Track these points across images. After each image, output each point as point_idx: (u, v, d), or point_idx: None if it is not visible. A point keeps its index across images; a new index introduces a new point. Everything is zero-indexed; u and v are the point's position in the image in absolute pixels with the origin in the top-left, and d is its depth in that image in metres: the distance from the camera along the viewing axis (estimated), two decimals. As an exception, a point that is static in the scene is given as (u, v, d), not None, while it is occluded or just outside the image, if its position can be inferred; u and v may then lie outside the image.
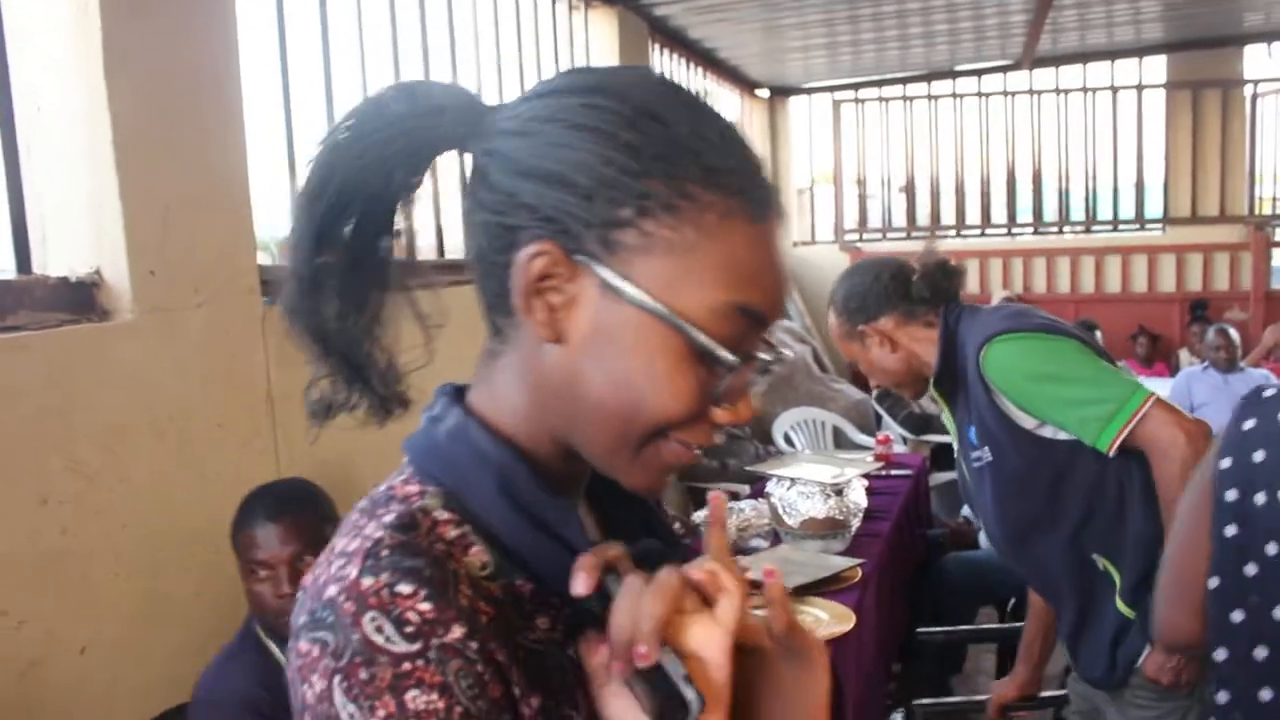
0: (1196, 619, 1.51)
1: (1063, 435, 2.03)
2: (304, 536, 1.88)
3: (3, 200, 2.17)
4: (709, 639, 0.67)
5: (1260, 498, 1.43)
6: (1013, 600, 3.63)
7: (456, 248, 4.58)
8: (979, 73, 8.42)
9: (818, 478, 3.06)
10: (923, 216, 8.67)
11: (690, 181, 0.68)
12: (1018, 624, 2.74)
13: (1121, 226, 8.34)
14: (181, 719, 1.99)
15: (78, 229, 2.20)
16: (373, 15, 3.48)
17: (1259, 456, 1.44)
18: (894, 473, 3.88)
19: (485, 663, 0.66)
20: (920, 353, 2.22)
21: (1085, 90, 8.31)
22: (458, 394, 0.79)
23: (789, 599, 0.75)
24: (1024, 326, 2.06)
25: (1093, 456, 2.00)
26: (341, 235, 0.74)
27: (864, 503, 3.11)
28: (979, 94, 8.47)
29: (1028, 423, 2.06)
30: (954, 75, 8.50)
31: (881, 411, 6.29)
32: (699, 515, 3.33)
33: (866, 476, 3.29)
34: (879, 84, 8.60)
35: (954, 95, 8.52)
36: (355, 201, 0.74)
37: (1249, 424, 1.48)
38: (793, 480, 3.07)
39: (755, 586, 2.62)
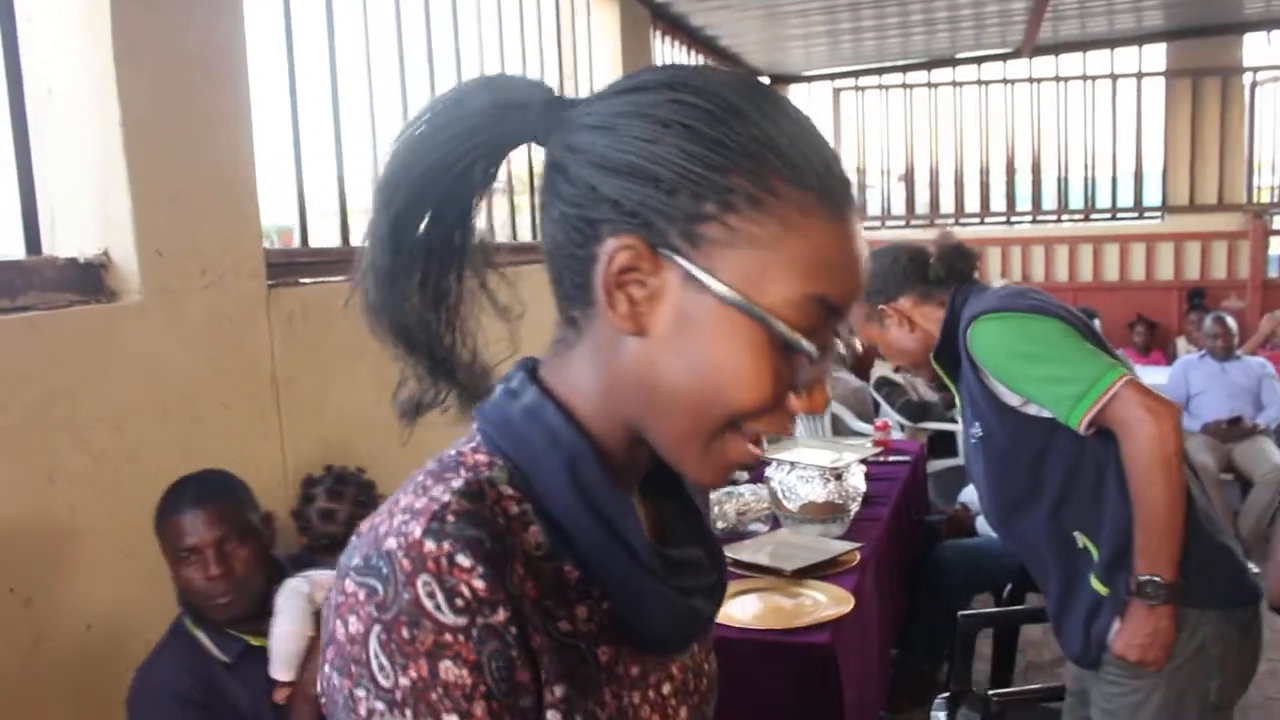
0: None
1: (1045, 413, 2.07)
2: (228, 521, 1.92)
3: (13, 182, 2.19)
4: None
5: None
6: (1009, 586, 3.66)
7: (528, 230, 4.61)
8: (979, 60, 8.41)
9: (817, 462, 3.08)
10: (922, 204, 8.67)
11: (773, 177, 0.69)
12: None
13: (1120, 215, 8.35)
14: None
15: (86, 211, 2.22)
16: (377, 3, 3.49)
17: None
18: (892, 459, 3.90)
19: (520, 648, 0.68)
20: (935, 333, 2.27)
21: (1085, 78, 8.31)
22: (533, 371, 0.79)
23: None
24: (1012, 306, 2.11)
25: (1071, 435, 2.04)
26: (418, 229, 0.76)
27: (863, 487, 3.13)
28: (979, 82, 8.46)
29: (1013, 400, 2.11)
30: (954, 63, 8.50)
31: (879, 399, 6.32)
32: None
33: (865, 462, 3.31)
34: (879, 72, 8.59)
35: (954, 83, 8.51)
36: (432, 195, 0.75)
37: None
38: (792, 464, 3.09)
39: (758, 570, 2.63)
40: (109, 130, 2.18)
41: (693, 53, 6.86)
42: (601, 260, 0.70)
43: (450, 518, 0.68)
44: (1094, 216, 8.40)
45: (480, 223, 0.79)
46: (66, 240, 2.23)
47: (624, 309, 0.71)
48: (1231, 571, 2.08)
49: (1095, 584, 2.11)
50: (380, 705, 0.65)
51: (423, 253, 0.77)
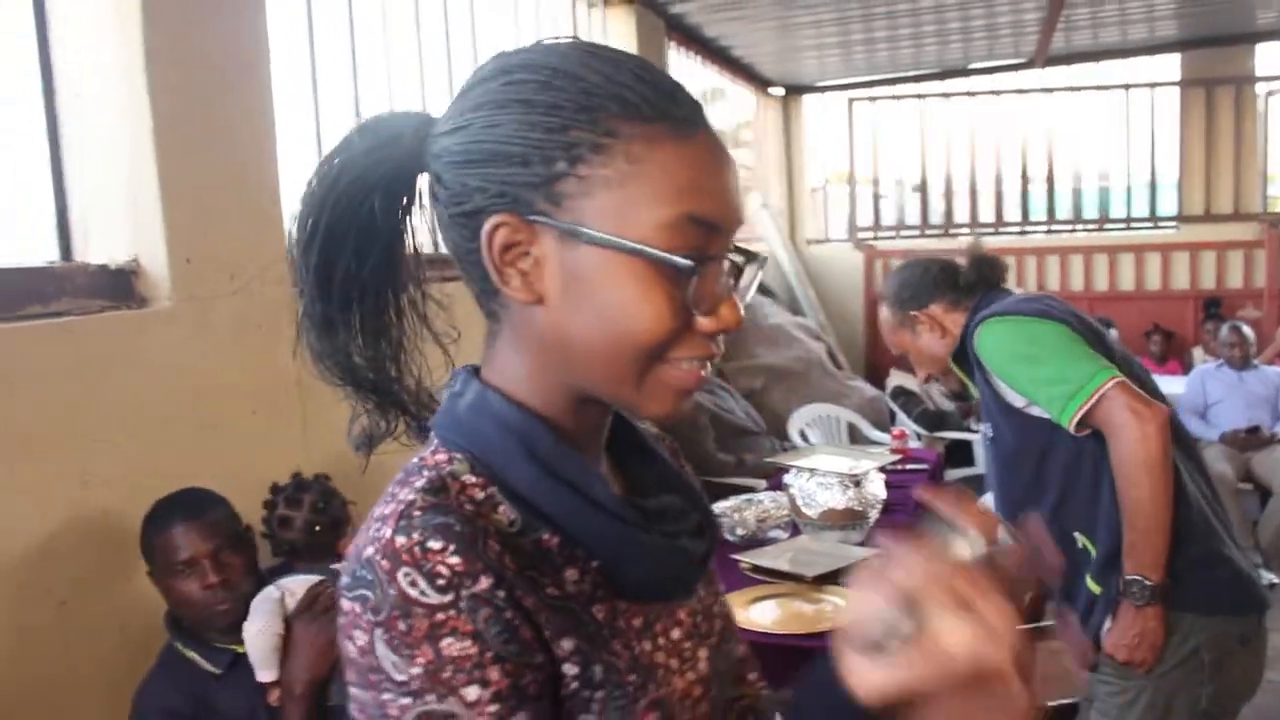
0: None
1: (1047, 414, 2.10)
2: (223, 532, 1.96)
3: (47, 189, 2.22)
4: (962, 640, 0.64)
5: None
6: (1028, 595, 3.66)
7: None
8: (992, 71, 8.42)
9: (836, 469, 3.09)
10: (936, 215, 8.68)
11: (610, 119, 0.73)
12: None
13: (1135, 224, 8.34)
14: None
15: (117, 218, 2.26)
16: (398, 12, 3.52)
17: None
18: (910, 467, 3.90)
19: (514, 609, 0.71)
20: (963, 334, 2.31)
21: (1098, 88, 8.31)
22: (475, 372, 0.83)
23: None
24: (1018, 309, 2.15)
25: (1070, 436, 2.07)
26: (341, 273, 0.80)
27: (882, 494, 3.13)
28: (992, 92, 8.47)
29: (1017, 401, 2.16)
30: (968, 73, 8.51)
31: (896, 408, 6.33)
32: (719, 505, 3.36)
33: (884, 470, 3.31)
34: (893, 82, 8.61)
35: (968, 93, 8.53)
36: (346, 239, 0.80)
37: None
38: (811, 471, 3.10)
39: (779, 576, 2.63)
40: (140, 137, 2.21)
41: (707, 63, 6.89)
42: (483, 244, 0.75)
43: (416, 513, 0.71)
44: (1109, 226, 8.39)
45: (420, 244, 0.84)
46: (98, 246, 2.26)
47: (517, 283, 0.75)
48: (1230, 578, 2.09)
49: (1090, 583, 2.15)
50: (405, 700, 0.68)
51: (355, 295, 0.81)
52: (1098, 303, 7.84)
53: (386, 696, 0.69)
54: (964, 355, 2.27)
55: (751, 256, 0.82)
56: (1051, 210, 8.46)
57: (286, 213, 2.64)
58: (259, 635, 1.92)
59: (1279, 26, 7.64)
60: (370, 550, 0.71)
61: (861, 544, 2.97)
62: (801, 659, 2.44)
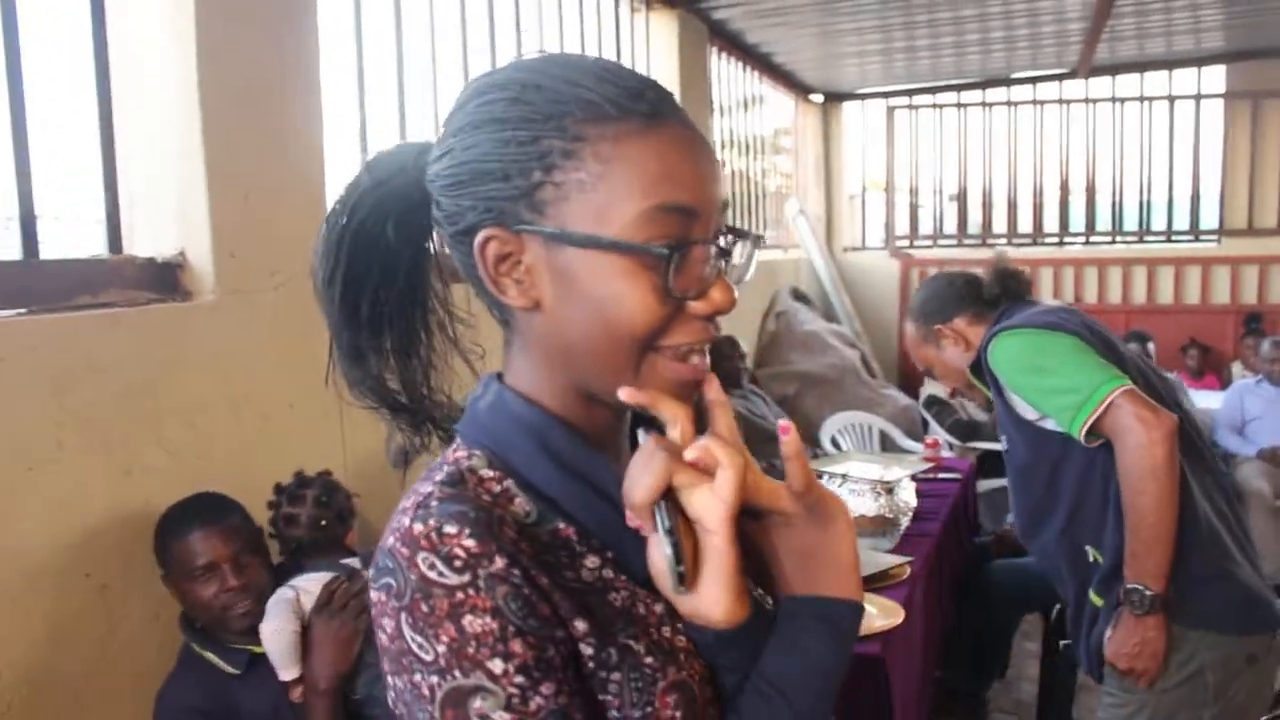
0: None
1: (1060, 428, 2.10)
2: (241, 536, 1.99)
3: (98, 183, 2.27)
4: (707, 509, 0.75)
5: None
6: (1057, 608, 3.64)
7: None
8: (1034, 80, 8.37)
9: (868, 476, 3.09)
10: (974, 225, 8.62)
11: (577, 123, 0.76)
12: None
13: (1175, 238, 8.26)
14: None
15: (165, 212, 2.30)
16: (443, 16, 3.56)
17: None
18: (943, 475, 3.89)
19: (530, 587, 0.73)
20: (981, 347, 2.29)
21: (1142, 99, 8.24)
22: (498, 378, 0.87)
23: (805, 456, 0.81)
24: (1030, 322, 2.16)
25: (1082, 449, 2.07)
26: (367, 304, 0.85)
27: (914, 502, 3.14)
28: (1034, 102, 8.42)
29: (1030, 414, 2.17)
30: (1009, 83, 8.46)
31: (929, 417, 6.29)
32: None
33: (915, 478, 3.31)
34: (933, 90, 8.57)
35: (1009, 103, 8.47)
36: (369, 272, 0.85)
37: None
38: (844, 477, 3.11)
39: None
40: (190, 134, 2.26)
41: (748, 69, 6.90)
42: (476, 258, 0.79)
43: (434, 503, 0.75)
44: (1148, 239, 8.31)
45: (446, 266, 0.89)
46: (145, 240, 2.31)
47: (514, 292, 0.79)
48: (1240, 596, 2.07)
49: (1093, 596, 2.16)
50: (434, 679, 0.71)
51: (384, 323, 0.87)
52: (1135, 315, 7.77)
53: (418, 677, 0.72)
54: (980, 368, 2.28)
55: (743, 235, 0.84)
56: (1091, 222, 8.39)
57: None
58: (276, 635, 1.95)
59: (1328, 40, 7.54)
60: (391, 540, 0.75)
61: (892, 551, 2.98)
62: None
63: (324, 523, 2.17)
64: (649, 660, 0.77)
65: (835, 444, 5.73)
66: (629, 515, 0.76)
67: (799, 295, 7.45)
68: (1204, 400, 5.98)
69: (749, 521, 0.81)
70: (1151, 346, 6.09)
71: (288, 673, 1.96)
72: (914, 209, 8.73)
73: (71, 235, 2.35)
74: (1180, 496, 1.98)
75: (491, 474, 0.80)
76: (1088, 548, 2.18)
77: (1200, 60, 7.99)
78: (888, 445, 5.90)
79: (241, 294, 2.38)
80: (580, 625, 0.76)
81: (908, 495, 3.12)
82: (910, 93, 8.61)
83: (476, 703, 0.70)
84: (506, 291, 0.79)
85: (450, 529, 0.73)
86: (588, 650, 0.75)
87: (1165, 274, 8.00)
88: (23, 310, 1.99)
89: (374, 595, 0.75)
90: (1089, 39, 6.62)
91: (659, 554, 0.76)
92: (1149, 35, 7.17)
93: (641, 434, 0.81)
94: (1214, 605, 2.05)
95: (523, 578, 0.73)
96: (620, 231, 0.75)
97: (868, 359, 7.19)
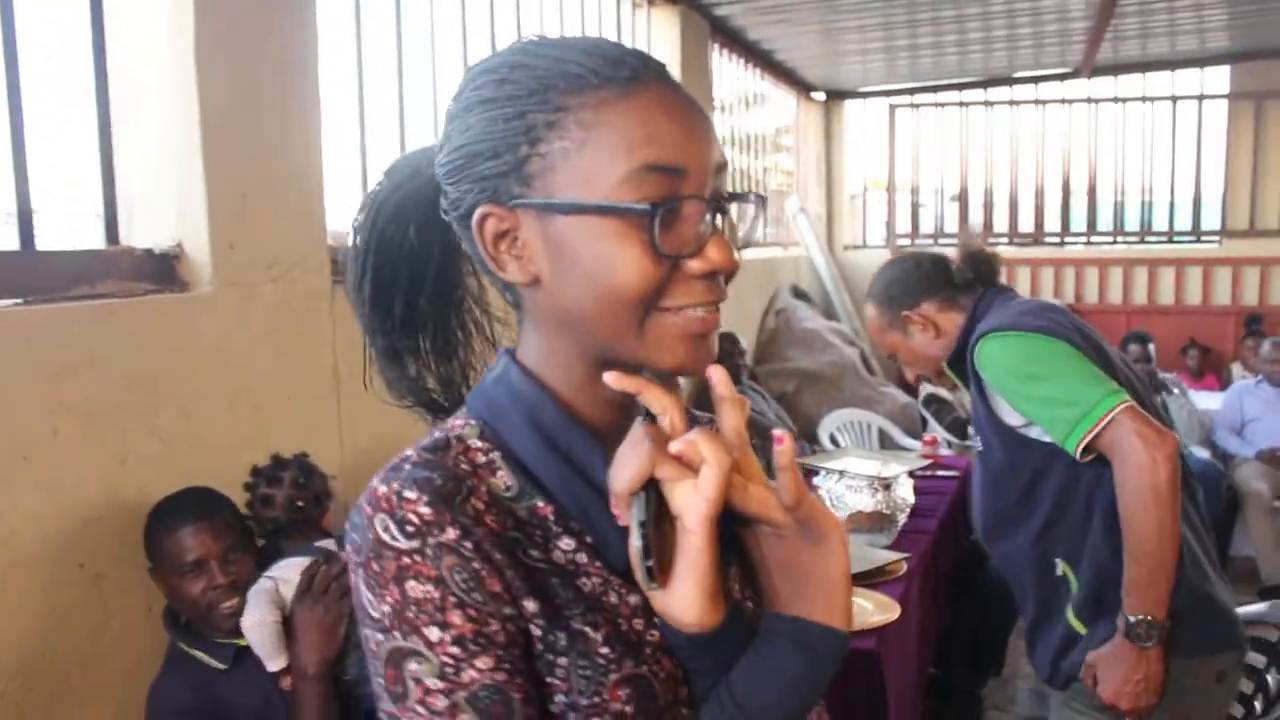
0: None
1: (1045, 437, 2.01)
2: (231, 534, 1.99)
3: (96, 175, 2.27)
4: (687, 506, 0.74)
5: None
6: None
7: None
8: (1037, 80, 8.37)
9: (866, 472, 3.09)
10: (975, 224, 8.61)
11: (559, 95, 0.77)
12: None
13: (1177, 238, 8.25)
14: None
15: (163, 204, 2.30)
16: (443, 12, 3.56)
17: None
18: (941, 473, 3.89)
19: (482, 561, 0.74)
20: (959, 339, 2.19)
21: (1145, 100, 8.23)
22: (510, 353, 0.87)
23: (798, 468, 0.78)
24: (1022, 325, 2.02)
25: (1068, 461, 1.98)
26: (400, 307, 0.88)
27: (911, 499, 3.13)
28: (1037, 101, 8.41)
29: (1013, 419, 2.06)
30: (1011, 82, 8.46)
31: (927, 415, 6.29)
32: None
33: (913, 475, 3.31)
34: (936, 89, 8.57)
35: (1011, 102, 8.47)
36: (398, 274, 0.88)
37: None
38: (841, 473, 3.11)
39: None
40: (189, 126, 2.26)
41: (750, 66, 6.89)
42: (475, 237, 0.80)
43: (406, 466, 0.77)
44: (1150, 239, 8.30)
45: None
46: (143, 231, 2.31)
47: (513, 268, 0.80)
48: (1217, 618, 2.01)
49: (1073, 620, 2.07)
50: (379, 636, 0.74)
51: (419, 324, 0.90)
52: (1136, 316, 7.77)
53: (368, 631, 0.75)
54: (960, 360, 2.17)
55: (743, 198, 0.84)
56: (1092, 222, 8.38)
57: (329, 204, 2.70)
58: (258, 627, 1.95)
59: (1332, 41, 7.53)
60: (361, 499, 0.76)
61: (889, 547, 2.98)
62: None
63: (300, 504, 2.18)
64: (604, 650, 0.77)
65: (834, 441, 5.72)
66: (611, 502, 0.76)
67: (799, 293, 7.45)
68: (1204, 401, 5.97)
69: (741, 526, 0.80)
70: (1152, 348, 6.08)
71: (274, 663, 1.96)
72: (915, 208, 8.72)
73: (69, 227, 2.35)
74: None
75: (480, 444, 0.81)
76: (1058, 560, 2.09)
77: (1204, 61, 7.99)
78: (886, 443, 5.90)
79: (239, 286, 2.38)
80: (530, 605, 0.75)
81: (905, 492, 3.11)
82: (912, 91, 8.60)
83: (412, 665, 0.72)
84: (506, 268, 0.80)
85: (409, 494, 0.74)
86: (536, 631, 0.76)
87: (1166, 274, 8.00)
88: (19, 301, 1.99)
89: (349, 550, 0.77)
90: (1092, 38, 6.61)
91: (635, 554, 0.74)
92: (1152, 35, 7.16)
93: (638, 421, 0.79)
94: (1196, 633, 1.96)
95: (474, 550, 0.73)
96: (607, 195, 0.75)
97: (867, 357, 7.18)
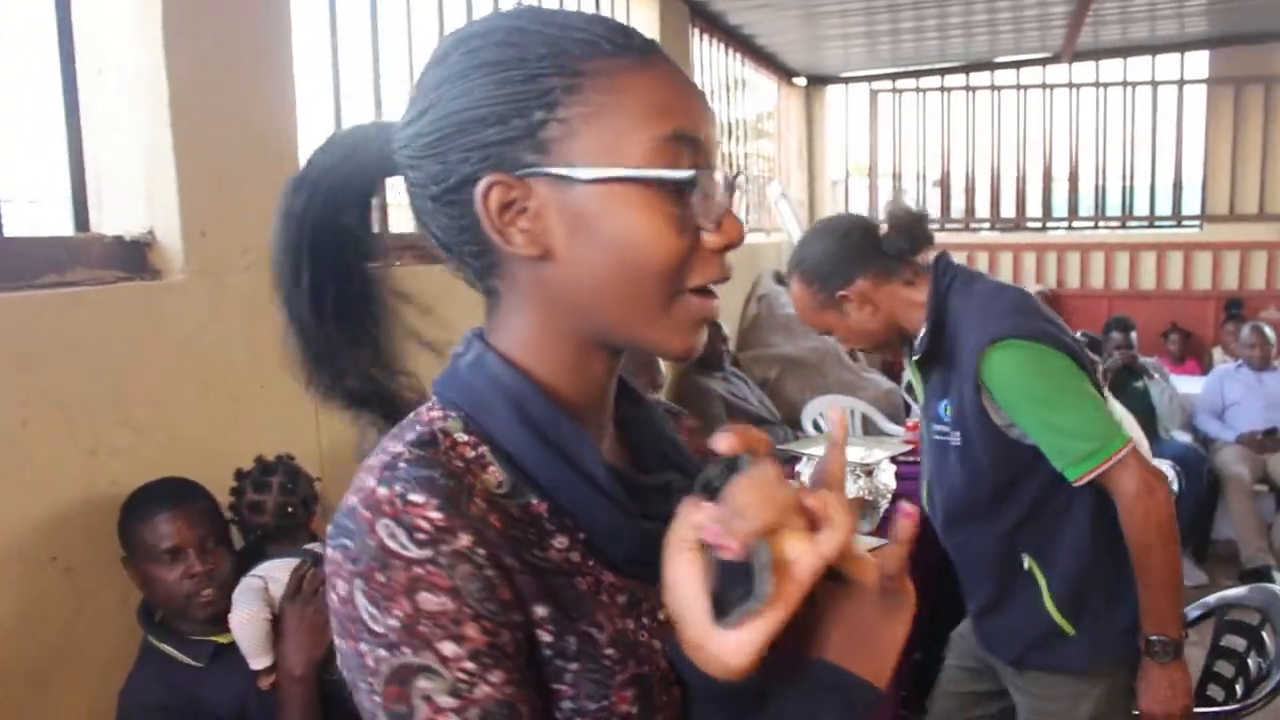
0: None
1: (1030, 440, 2.02)
2: (208, 522, 1.97)
3: (63, 160, 2.23)
4: (803, 557, 0.68)
5: None
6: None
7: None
8: (1018, 65, 8.36)
9: (848, 458, 3.07)
10: (957, 209, 8.62)
11: (575, 60, 0.74)
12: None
13: (1158, 223, 8.27)
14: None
15: (133, 190, 2.26)
16: (420, -5, 3.52)
17: None
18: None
19: (494, 567, 0.70)
20: (901, 312, 2.14)
21: (1125, 84, 8.23)
22: (478, 337, 0.83)
23: (909, 546, 0.77)
24: (1027, 333, 2.00)
25: (1051, 468, 2.01)
26: (333, 295, 0.82)
27: (893, 485, 3.13)
28: (1018, 86, 8.41)
29: (1000, 419, 2.04)
30: (993, 67, 8.45)
31: (910, 401, 6.30)
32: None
33: (896, 460, 3.30)
34: (917, 74, 8.55)
35: (992, 87, 8.46)
36: (337, 258, 0.82)
37: None
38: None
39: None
40: (158, 111, 2.22)
41: (730, 52, 6.86)
42: (479, 209, 0.74)
43: (402, 465, 0.72)
44: (1131, 224, 8.32)
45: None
46: (113, 218, 2.27)
47: (521, 240, 0.75)
48: (1135, 630, 2.06)
49: (1056, 615, 2.11)
50: (382, 652, 0.68)
51: (351, 314, 0.83)
52: (1117, 301, 7.79)
53: (364, 647, 0.69)
54: (932, 350, 2.10)
55: (741, 173, 0.83)
56: (1074, 207, 8.40)
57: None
58: (248, 624, 1.93)
59: (1311, 25, 7.55)
60: (353, 499, 0.71)
61: (872, 533, 2.97)
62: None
63: (290, 509, 2.15)
64: (609, 651, 0.74)
65: (817, 428, 5.72)
66: (720, 531, 0.67)
67: (781, 279, 7.43)
68: (1185, 385, 6.00)
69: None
70: (1134, 336, 6.09)
71: (259, 661, 1.94)
72: (897, 193, 8.71)
73: (37, 213, 2.30)
74: (1116, 542, 2.01)
75: (466, 438, 0.76)
76: (1025, 555, 2.13)
77: (1184, 45, 8.01)
78: (869, 429, 5.89)
79: (212, 274, 2.34)
80: (540, 610, 0.72)
81: (887, 478, 3.11)
82: (894, 76, 8.59)
83: (422, 682, 0.67)
84: (514, 240, 0.75)
85: (416, 497, 0.69)
86: (546, 637, 0.72)
87: (1147, 259, 8.02)
88: (-14, 288, 1.95)
89: (330, 553, 0.71)
90: (1073, 23, 6.61)
91: (699, 580, 0.68)
92: (1133, 20, 7.17)
93: (758, 461, 0.70)
94: (1132, 649, 2.05)
95: (486, 557, 0.70)
96: (633, 162, 0.73)
97: (850, 343, 7.17)
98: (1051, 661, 2.15)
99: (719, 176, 0.76)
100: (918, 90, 8.55)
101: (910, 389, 2.37)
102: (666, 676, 0.77)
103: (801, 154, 8.83)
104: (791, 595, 0.68)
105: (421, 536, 0.68)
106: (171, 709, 1.89)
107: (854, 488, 3.00)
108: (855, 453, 3.16)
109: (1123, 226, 8.33)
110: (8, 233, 2.08)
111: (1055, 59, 8.02)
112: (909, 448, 3.75)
